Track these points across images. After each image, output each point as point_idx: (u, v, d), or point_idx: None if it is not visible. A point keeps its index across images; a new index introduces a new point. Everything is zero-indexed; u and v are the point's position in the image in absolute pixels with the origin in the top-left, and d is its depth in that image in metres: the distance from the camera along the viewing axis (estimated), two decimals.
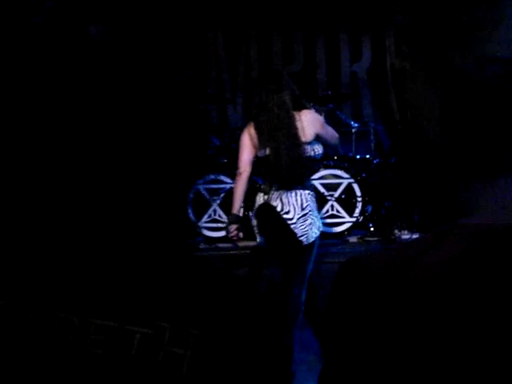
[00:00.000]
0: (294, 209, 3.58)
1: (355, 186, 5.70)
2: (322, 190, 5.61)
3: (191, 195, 5.36)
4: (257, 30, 7.58)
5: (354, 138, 6.31)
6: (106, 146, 0.72)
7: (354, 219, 5.69)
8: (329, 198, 5.69)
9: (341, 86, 7.58)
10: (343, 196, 5.71)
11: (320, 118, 3.85)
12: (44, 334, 0.68)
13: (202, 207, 5.59)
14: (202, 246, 5.55)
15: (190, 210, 5.40)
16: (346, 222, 5.70)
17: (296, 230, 3.56)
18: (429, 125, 0.94)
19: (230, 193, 5.34)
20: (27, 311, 0.69)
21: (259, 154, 3.66)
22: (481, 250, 0.84)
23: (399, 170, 6.21)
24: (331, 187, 5.70)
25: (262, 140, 3.62)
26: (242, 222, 3.92)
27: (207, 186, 5.60)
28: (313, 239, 3.60)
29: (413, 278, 0.85)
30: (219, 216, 5.61)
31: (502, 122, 0.87)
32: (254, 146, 3.66)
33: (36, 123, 0.72)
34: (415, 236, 5.45)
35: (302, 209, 3.59)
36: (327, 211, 5.65)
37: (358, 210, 5.70)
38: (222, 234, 5.51)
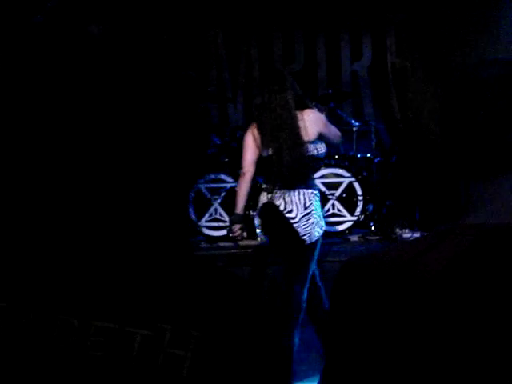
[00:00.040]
0: (297, 208, 3.59)
1: (356, 185, 5.70)
2: (323, 188, 5.61)
3: (192, 194, 5.37)
4: (257, 28, 7.58)
5: (354, 136, 6.31)
6: (106, 145, 0.72)
7: (355, 218, 5.69)
8: (330, 196, 5.69)
9: (341, 84, 7.57)
10: (344, 195, 5.71)
11: (322, 117, 3.87)
12: (44, 335, 0.68)
13: (203, 206, 5.60)
14: (202, 245, 5.55)
15: (190, 210, 5.40)
16: (347, 220, 5.70)
17: (299, 229, 3.58)
18: (429, 124, 0.94)
19: (230, 192, 5.35)
20: (27, 313, 0.69)
21: (262, 154, 3.68)
22: (482, 250, 0.83)
23: (400, 168, 6.21)
24: (332, 186, 5.70)
25: (265, 140, 3.64)
26: (245, 222, 3.94)
27: (208, 185, 5.61)
28: (316, 238, 3.61)
29: (414, 277, 0.85)
30: (220, 215, 5.62)
31: (502, 122, 0.86)
32: (258, 147, 3.68)
33: (36, 123, 0.72)
34: (416, 235, 5.46)
35: (305, 208, 3.60)
36: (328, 210, 5.65)
37: (359, 209, 5.70)
38: (223, 233, 5.52)
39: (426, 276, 0.84)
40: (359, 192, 5.70)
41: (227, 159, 5.67)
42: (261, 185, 3.87)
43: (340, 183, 5.71)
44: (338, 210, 5.70)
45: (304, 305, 3.62)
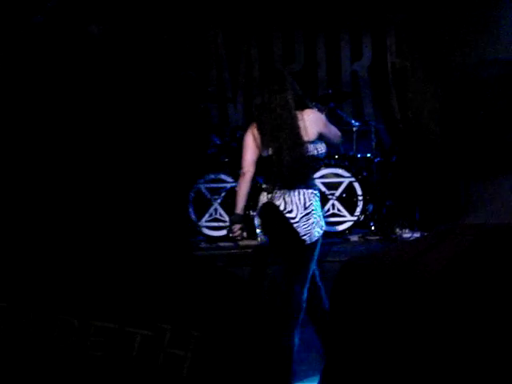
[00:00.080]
0: (297, 208, 3.60)
1: (356, 185, 5.70)
2: (323, 188, 5.61)
3: (192, 194, 5.37)
4: (257, 28, 7.58)
5: (354, 136, 6.31)
6: (106, 145, 0.72)
7: (355, 218, 5.69)
8: (330, 196, 5.69)
9: (341, 84, 7.57)
10: (344, 195, 5.71)
11: (323, 117, 3.87)
12: (44, 335, 0.68)
13: (203, 206, 5.60)
14: (202, 245, 5.55)
15: (190, 210, 5.40)
16: (347, 220, 5.69)
17: (299, 229, 3.58)
18: (429, 124, 0.94)
19: (230, 192, 5.35)
20: (27, 313, 0.69)
21: (262, 154, 3.68)
22: (482, 250, 0.83)
23: (400, 168, 6.21)
24: (332, 186, 5.70)
25: (265, 140, 3.65)
26: (245, 222, 3.94)
27: (208, 185, 5.61)
28: (316, 238, 3.61)
29: (414, 277, 0.85)
30: (220, 215, 5.62)
31: (502, 122, 0.86)
32: (258, 147, 3.68)
33: (36, 124, 0.72)
34: (416, 235, 5.46)
35: (305, 208, 3.60)
36: (328, 210, 5.65)
37: (359, 209, 5.70)
38: (223, 233, 5.52)
39: (426, 276, 0.84)
40: (359, 192, 5.70)
41: (227, 159, 5.67)
42: (261, 185, 3.88)
43: (340, 183, 5.71)
44: (338, 210, 5.70)
45: (304, 305, 3.62)
